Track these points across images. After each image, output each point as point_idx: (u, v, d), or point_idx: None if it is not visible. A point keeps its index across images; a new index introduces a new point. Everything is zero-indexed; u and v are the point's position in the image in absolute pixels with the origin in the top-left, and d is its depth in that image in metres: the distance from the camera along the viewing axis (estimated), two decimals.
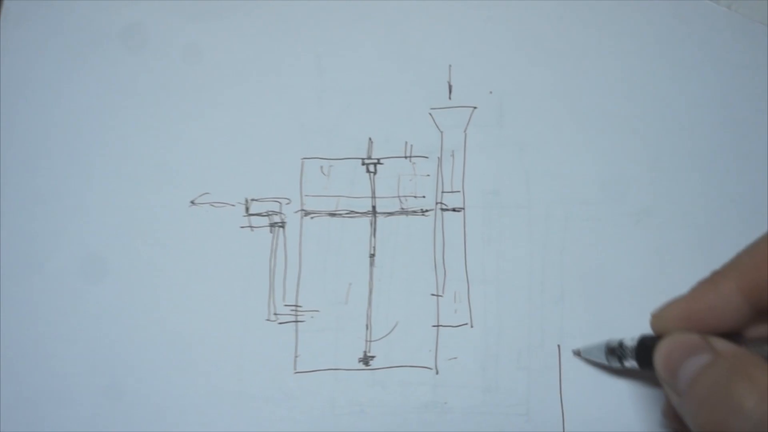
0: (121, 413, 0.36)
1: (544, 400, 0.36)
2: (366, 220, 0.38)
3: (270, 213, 0.39)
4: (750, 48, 0.40)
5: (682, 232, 0.37)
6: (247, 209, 0.39)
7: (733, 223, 0.37)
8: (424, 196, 0.39)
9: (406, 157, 0.39)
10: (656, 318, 0.31)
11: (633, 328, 0.35)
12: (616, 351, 0.33)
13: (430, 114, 0.40)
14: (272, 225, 0.38)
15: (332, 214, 0.39)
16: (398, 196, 0.39)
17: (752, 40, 0.40)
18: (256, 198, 0.39)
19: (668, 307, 0.30)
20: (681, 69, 0.40)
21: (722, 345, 0.27)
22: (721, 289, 0.28)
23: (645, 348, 0.31)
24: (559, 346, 0.36)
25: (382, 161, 0.39)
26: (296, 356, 0.37)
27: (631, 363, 0.32)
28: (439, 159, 0.39)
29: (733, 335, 0.28)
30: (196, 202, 0.39)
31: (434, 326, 0.37)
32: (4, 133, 0.40)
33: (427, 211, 0.38)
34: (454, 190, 0.38)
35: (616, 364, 0.33)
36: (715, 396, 0.25)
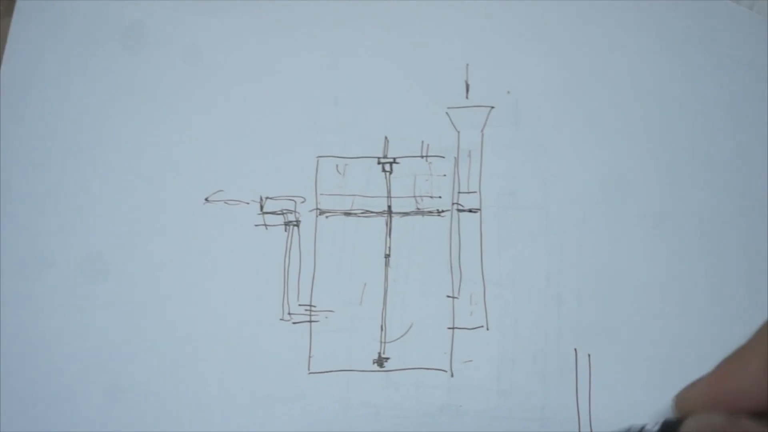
0: (131, 413, 0.36)
1: (560, 404, 0.35)
2: (381, 220, 0.38)
3: (285, 211, 0.38)
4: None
5: (700, 234, 0.37)
6: (261, 207, 0.38)
7: (749, 222, 0.37)
8: (440, 197, 0.38)
9: (422, 157, 0.39)
10: (680, 399, 0.30)
11: (651, 331, 0.35)
12: None
13: (447, 113, 0.39)
14: (287, 224, 0.38)
15: (347, 214, 0.38)
16: (414, 196, 0.38)
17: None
18: (270, 196, 0.39)
19: (692, 388, 0.29)
20: (700, 70, 0.39)
21: (751, 426, 0.26)
22: (747, 367, 0.28)
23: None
24: (575, 349, 0.36)
25: (398, 160, 0.39)
26: (310, 357, 0.36)
27: None
28: (456, 159, 0.39)
29: (763, 413, 0.28)
30: (210, 199, 0.39)
31: (449, 328, 0.37)
32: (12, 133, 0.40)
33: (443, 211, 0.38)
34: (471, 190, 0.38)
35: None
36: None
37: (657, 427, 0.31)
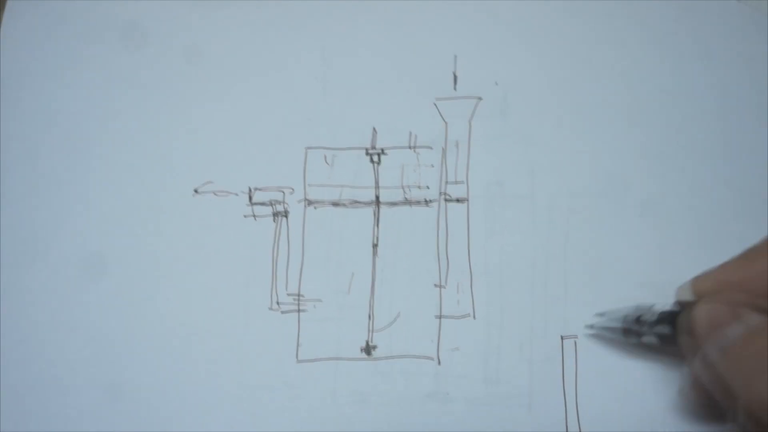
0: (120, 404, 0.36)
1: (547, 392, 0.35)
2: (369, 210, 0.38)
3: (273, 202, 0.38)
4: (755, 41, 0.39)
5: (686, 224, 0.37)
6: (250, 198, 0.39)
7: (737, 214, 0.37)
8: (427, 187, 0.38)
9: (410, 148, 0.39)
10: (696, 282, 0.31)
11: None
12: (634, 327, 0.33)
13: (435, 104, 0.39)
14: (275, 214, 0.38)
15: (335, 204, 0.38)
16: (402, 187, 0.38)
17: (758, 33, 0.39)
18: (259, 187, 0.39)
19: (707, 274, 0.31)
20: (686, 62, 0.39)
21: (752, 316, 0.27)
22: (755, 264, 0.29)
23: (674, 315, 0.31)
24: (562, 337, 0.36)
25: (386, 151, 0.39)
26: (298, 345, 0.37)
27: (650, 338, 0.32)
28: (444, 150, 0.39)
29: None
30: (199, 190, 0.39)
31: (437, 317, 0.37)
32: (5, 123, 0.40)
33: (430, 201, 0.38)
34: (458, 180, 0.38)
35: (633, 340, 0.33)
36: None
37: (668, 307, 0.32)
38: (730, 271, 0.30)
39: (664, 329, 0.32)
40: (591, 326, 0.35)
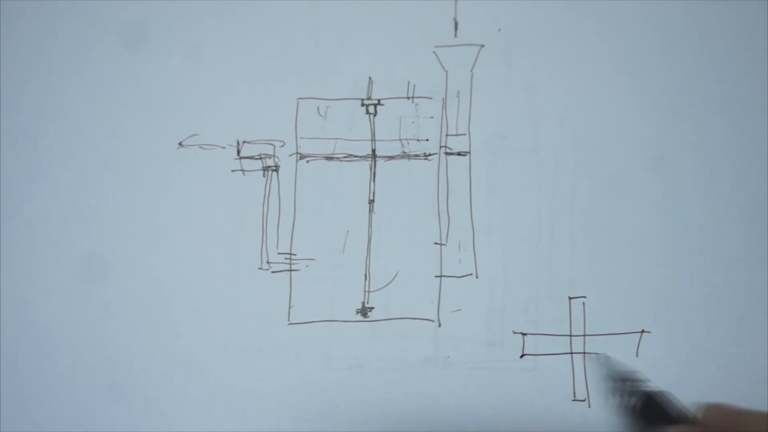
0: (104, 370, 0.35)
1: (553, 355, 0.34)
2: (365, 165, 0.36)
3: (263, 156, 0.37)
4: None
5: (696, 179, 0.35)
6: (238, 152, 0.37)
7: (747, 171, 0.35)
8: (427, 140, 0.36)
9: (408, 98, 0.37)
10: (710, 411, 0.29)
11: (646, 278, 0.34)
12: (617, 382, 0.31)
13: (435, 52, 0.37)
14: (265, 169, 0.36)
15: (329, 158, 0.37)
16: (400, 139, 0.37)
17: None
18: (248, 140, 0.37)
19: (719, 411, 0.29)
20: (696, 8, 0.37)
21: None
22: None
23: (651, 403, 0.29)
24: (569, 297, 0.34)
25: (382, 102, 0.37)
26: (290, 307, 0.35)
27: (619, 400, 0.30)
28: (444, 100, 0.37)
29: None
30: (184, 144, 0.37)
31: (437, 276, 0.35)
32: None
33: (430, 155, 0.36)
34: (459, 133, 0.36)
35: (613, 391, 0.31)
36: None
37: (654, 391, 0.29)
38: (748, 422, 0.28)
39: (634, 403, 0.30)
40: (598, 357, 0.33)
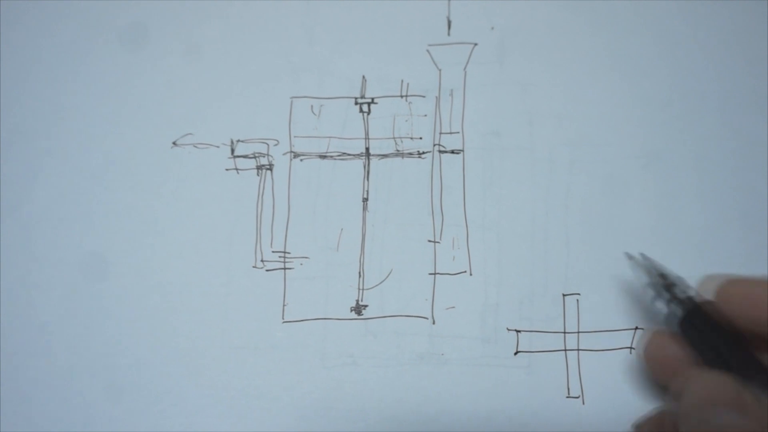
0: (99, 368, 0.34)
1: (547, 353, 0.34)
2: (359, 163, 0.36)
3: (257, 155, 0.37)
4: None
5: (691, 176, 0.35)
6: (232, 151, 0.37)
7: (743, 165, 0.35)
8: (420, 138, 0.36)
9: (401, 96, 0.37)
10: (725, 286, 0.29)
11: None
12: (659, 288, 0.30)
13: (428, 51, 0.37)
14: (259, 167, 0.36)
15: (323, 156, 0.37)
16: (393, 138, 0.37)
17: None
18: (242, 139, 0.37)
19: (735, 282, 0.28)
20: (691, 7, 0.37)
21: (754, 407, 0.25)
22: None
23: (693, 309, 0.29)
24: (563, 295, 0.34)
25: (376, 100, 0.37)
26: (284, 305, 0.35)
27: (662, 307, 0.30)
28: (437, 98, 0.37)
29: None
30: (178, 143, 0.37)
31: (431, 274, 0.35)
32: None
33: (423, 153, 0.36)
34: (453, 131, 0.36)
35: (649, 297, 0.31)
36: None
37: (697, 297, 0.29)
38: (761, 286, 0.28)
39: (677, 312, 0.29)
40: (632, 257, 0.33)
